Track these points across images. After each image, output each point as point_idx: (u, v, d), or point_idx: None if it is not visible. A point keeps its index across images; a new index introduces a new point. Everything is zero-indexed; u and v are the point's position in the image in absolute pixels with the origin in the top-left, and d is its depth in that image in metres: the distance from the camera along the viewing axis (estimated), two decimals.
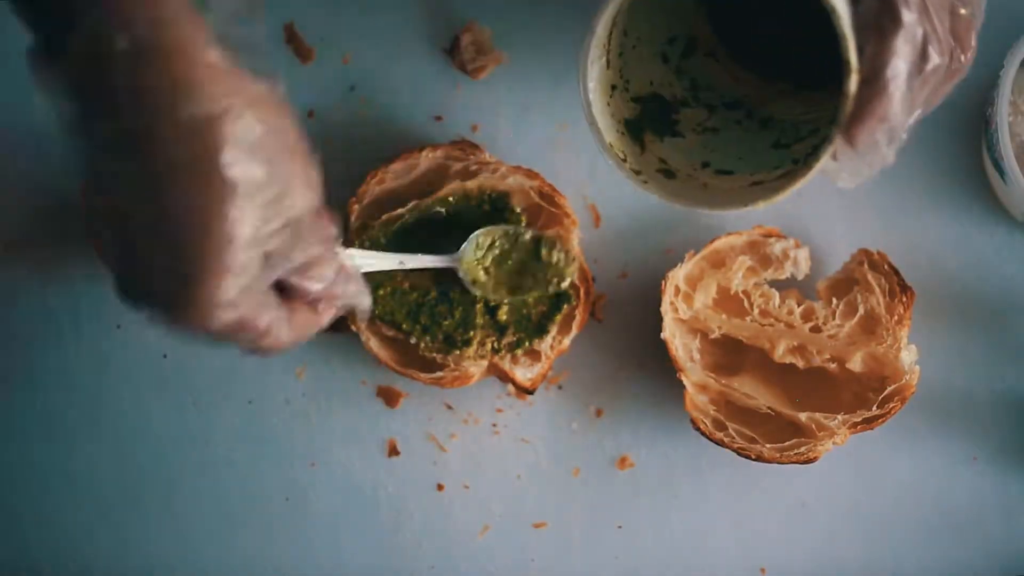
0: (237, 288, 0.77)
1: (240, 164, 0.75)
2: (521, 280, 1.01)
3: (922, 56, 0.80)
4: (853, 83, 0.80)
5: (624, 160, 0.89)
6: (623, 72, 0.91)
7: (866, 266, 1.00)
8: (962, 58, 0.83)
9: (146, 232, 0.75)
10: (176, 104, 0.73)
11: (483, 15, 1.06)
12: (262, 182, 0.76)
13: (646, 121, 0.93)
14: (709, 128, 0.94)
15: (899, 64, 0.79)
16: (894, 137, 0.81)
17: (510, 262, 1.01)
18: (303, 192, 0.79)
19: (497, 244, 1.01)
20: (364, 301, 0.91)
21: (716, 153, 0.92)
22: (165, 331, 0.80)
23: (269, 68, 0.79)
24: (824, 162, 0.82)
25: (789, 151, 0.91)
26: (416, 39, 1.06)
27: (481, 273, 1.01)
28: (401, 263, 0.99)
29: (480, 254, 1.01)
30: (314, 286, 0.84)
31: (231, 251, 0.76)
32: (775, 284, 1.03)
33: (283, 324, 0.82)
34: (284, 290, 0.84)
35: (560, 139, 1.06)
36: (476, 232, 1.01)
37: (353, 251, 0.96)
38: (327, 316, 0.87)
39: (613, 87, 0.90)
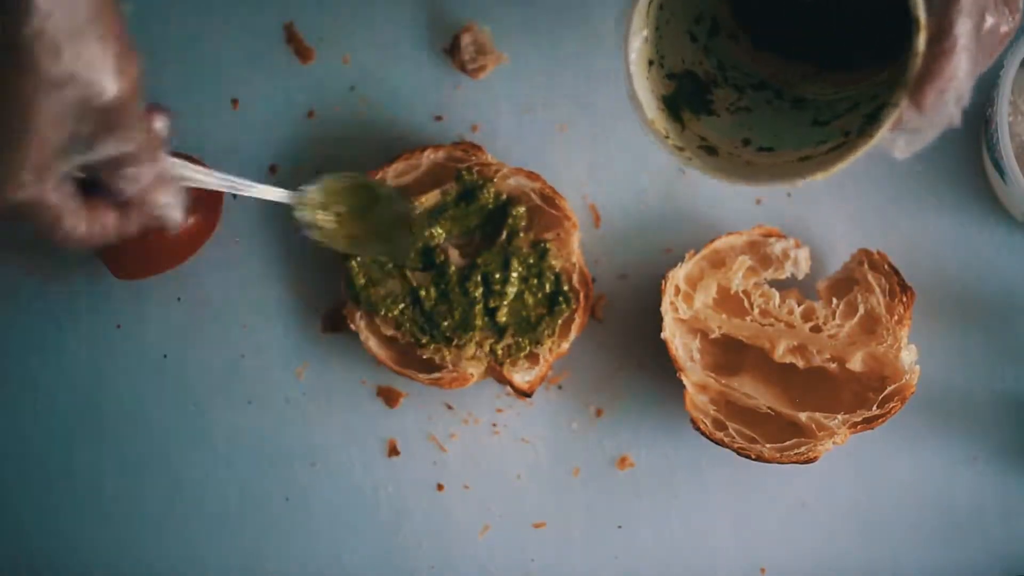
0: (32, 167, 0.75)
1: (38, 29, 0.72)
2: (373, 241, 1.00)
3: (981, 17, 0.80)
4: (922, 41, 0.79)
5: (667, 137, 0.88)
6: (658, 47, 0.89)
7: (866, 266, 1.01)
8: (1011, 20, 0.83)
9: None
10: None
11: (483, 15, 1.06)
12: (61, 55, 0.73)
13: (682, 98, 0.91)
14: (742, 108, 0.93)
15: (966, 21, 0.79)
16: (961, 96, 0.81)
17: (369, 218, 0.99)
18: (113, 78, 0.76)
19: (351, 196, 0.99)
20: (175, 215, 0.87)
21: (754, 131, 0.91)
22: None
23: None
24: (887, 127, 0.82)
25: (831, 127, 0.90)
26: (416, 39, 1.06)
27: (324, 218, 0.98)
28: (233, 187, 0.95)
29: (326, 200, 0.99)
30: (124, 186, 0.82)
31: (27, 125, 0.73)
32: (775, 284, 1.03)
33: (79, 217, 0.81)
34: (94, 185, 0.82)
35: (560, 139, 1.06)
36: (326, 176, 0.99)
37: (180, 161, 0.91)
38: (134, 222, 0.85)
39: (650, 62, 0.89)
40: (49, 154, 0.76)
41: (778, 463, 0.97)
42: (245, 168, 1.05)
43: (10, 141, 0.74)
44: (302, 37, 1.06)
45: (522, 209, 1.01)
